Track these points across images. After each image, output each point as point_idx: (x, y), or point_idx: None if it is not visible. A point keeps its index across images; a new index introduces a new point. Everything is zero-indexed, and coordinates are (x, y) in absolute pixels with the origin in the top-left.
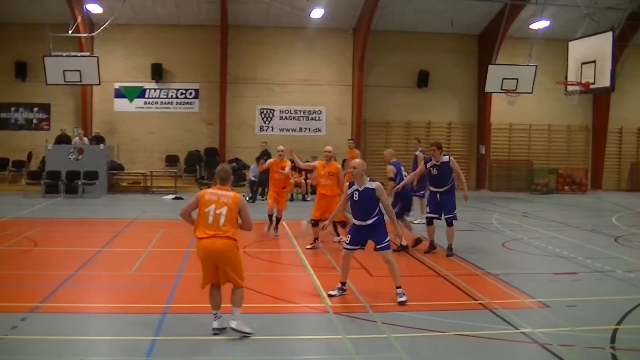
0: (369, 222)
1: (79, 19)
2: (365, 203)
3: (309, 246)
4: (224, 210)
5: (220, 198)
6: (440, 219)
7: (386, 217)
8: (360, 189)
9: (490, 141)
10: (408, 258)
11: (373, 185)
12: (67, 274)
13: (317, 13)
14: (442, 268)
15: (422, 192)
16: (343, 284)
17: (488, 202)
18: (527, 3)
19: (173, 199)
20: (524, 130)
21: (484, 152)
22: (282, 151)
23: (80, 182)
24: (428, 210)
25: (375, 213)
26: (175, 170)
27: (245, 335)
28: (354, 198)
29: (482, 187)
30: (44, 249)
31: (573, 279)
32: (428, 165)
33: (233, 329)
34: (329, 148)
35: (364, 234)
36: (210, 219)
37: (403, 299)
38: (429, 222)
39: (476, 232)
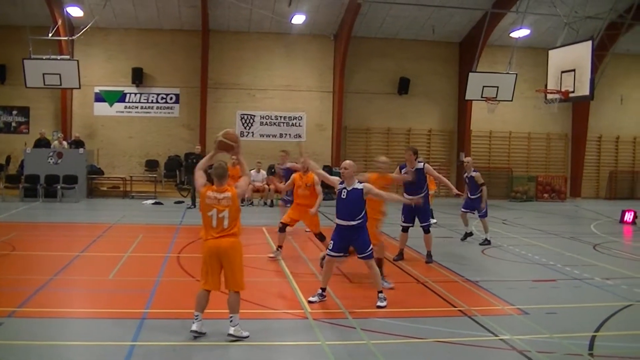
0: (353, 223)
1: (60, 22)
2: (352, 203)
3: (271, 254)
4: (226, 213)
5: (220, 202)
6: (412, 226)
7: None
8: (349, 188)
9: (470, 148)
10: (388, 265)
11: (360, 186)
12: (45, 279)
13: (298, 19)
14: (422, 275)
15: (485, 209)
16: (323, 290)
17: None
18: (507, 11)
19: (153, 203)
20: (503, 138)
21: (464, 158)
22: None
23: (59, 186)
24: (403, 219)
25: (360, 216)
26: (155, 175)
27: (241, 338)
28: (342, 196)
29: (462, 194)
30: (22, 253)
31: (552, 286)
32: (403, 171)
33: (230, 335)
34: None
35: (347, 238)
36: (215, 222)
37: (383, 304)
38: (404, 230)
39: (456, 239)
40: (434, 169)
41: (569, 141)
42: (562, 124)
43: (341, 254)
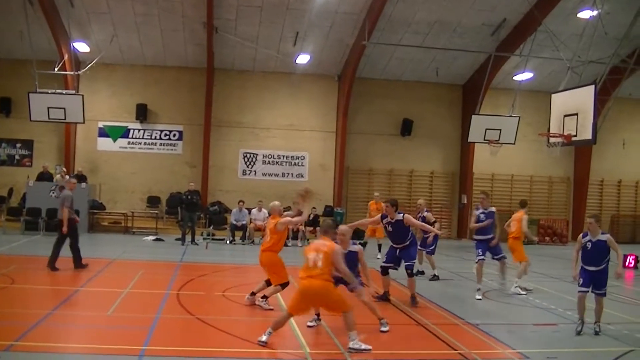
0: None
1: (66, 56)
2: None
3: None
4: (320, 256)
5: (319, 247)
6: (397, 269)
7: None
8: (345, 251)
9: (472, 191)
10: (388, 307)
11: (355, 248)
12: (44, 313)
13: (303, 59)
14: (422, 317)
15: (432, 247)
16: (318, 315)
17: (469, 251)
18: (511, 55)
19: (153, 240)
20: (506, 181)
21: (465, 201)
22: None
23: None
24: (384, 260)
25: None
26: (156, 212)
27: (364, 351)
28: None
29: (463, 237)
30: (21, 286)
31: (553, 330)
32: (383, 221)
33: (351, 349)
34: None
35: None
36: (311, 263)
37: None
38: (384, 272)
39: (456, 281)
40: (433, 213)
41: (571, 184)
42: (565, 167)
43: None
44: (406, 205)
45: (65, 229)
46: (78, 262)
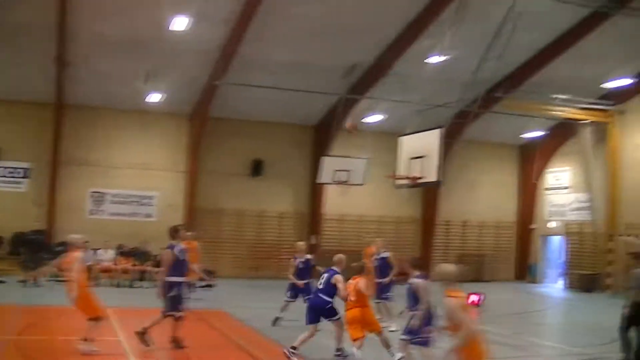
0: None
1: None
2: None
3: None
4: None
5: None
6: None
7: None
8: None
9: (322, 231)
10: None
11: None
12: None
13: (155, 97)
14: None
15: (388, 294)
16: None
17: None
18: (362, 97)
19: None
20: (355, 221)
21: (315, 241)
22: None
23: None
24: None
25: None
26: None
27: None
28: None
29: (312, 277)
30: None
31: None
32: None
33: None
34: None
35: None
36: None
37: None
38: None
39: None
40: (282, 253)
41: (419, 225)
42: (413, 208)
43: None
44: (257, 245)
45: None
46: None
